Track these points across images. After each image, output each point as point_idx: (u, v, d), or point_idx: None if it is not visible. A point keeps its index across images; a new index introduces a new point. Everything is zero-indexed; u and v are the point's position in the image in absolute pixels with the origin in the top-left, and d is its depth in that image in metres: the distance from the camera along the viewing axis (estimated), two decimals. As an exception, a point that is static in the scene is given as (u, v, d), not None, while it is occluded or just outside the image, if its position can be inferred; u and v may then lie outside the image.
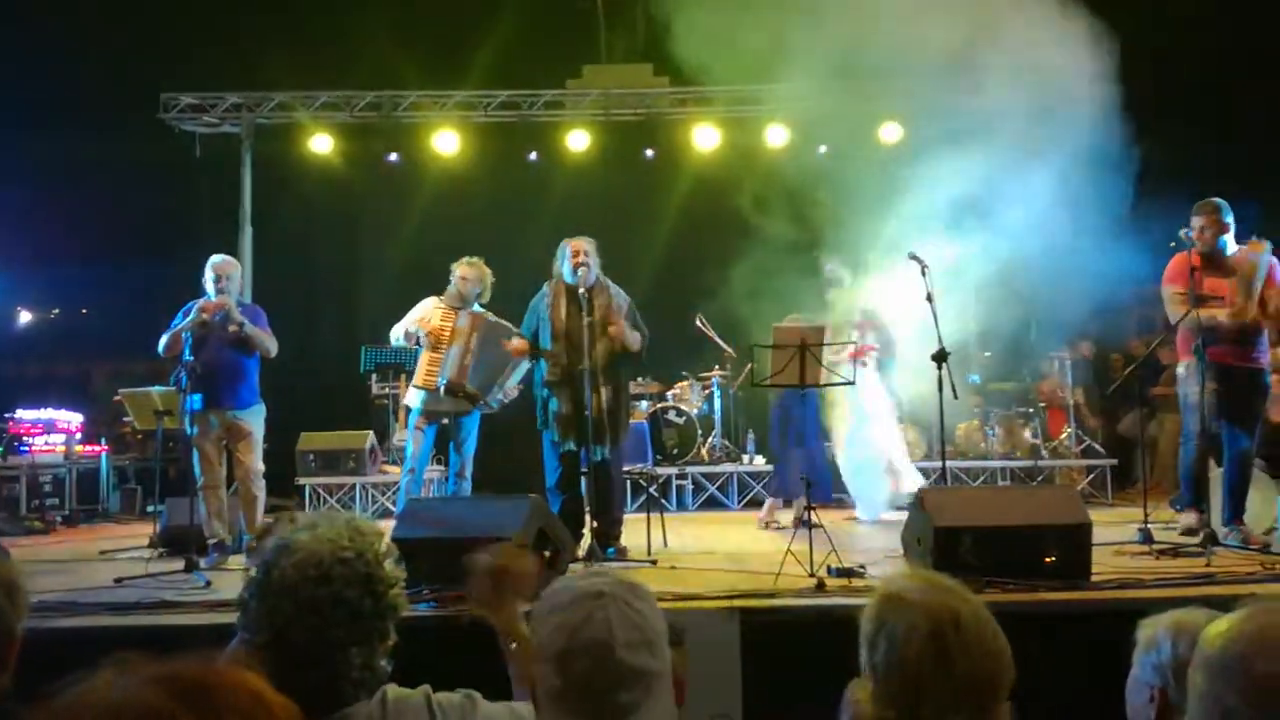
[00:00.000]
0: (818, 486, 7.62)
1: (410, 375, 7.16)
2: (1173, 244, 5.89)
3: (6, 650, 1.77)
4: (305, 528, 1.79)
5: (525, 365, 6.36)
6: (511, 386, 6.52)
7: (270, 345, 6.33)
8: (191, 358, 5.84)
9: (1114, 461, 9.33)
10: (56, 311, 16.54)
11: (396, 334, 6.57)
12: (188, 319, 6.03)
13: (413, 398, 6.48)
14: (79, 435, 10.32)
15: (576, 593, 1.68)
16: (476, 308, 6.56)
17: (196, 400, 6.04)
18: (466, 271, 6.54)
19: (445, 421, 6.46)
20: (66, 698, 0.89)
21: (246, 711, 0.91)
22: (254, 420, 6.32)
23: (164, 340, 6.09)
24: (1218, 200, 5.73)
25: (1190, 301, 5.46)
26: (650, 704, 1.62)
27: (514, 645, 2.10)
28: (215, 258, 6.33)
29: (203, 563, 5.68)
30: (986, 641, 1.63)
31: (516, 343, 6.09)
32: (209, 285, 6.19)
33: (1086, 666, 3.52)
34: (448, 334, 6.36)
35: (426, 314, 6.49)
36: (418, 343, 6.48)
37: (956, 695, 1.59)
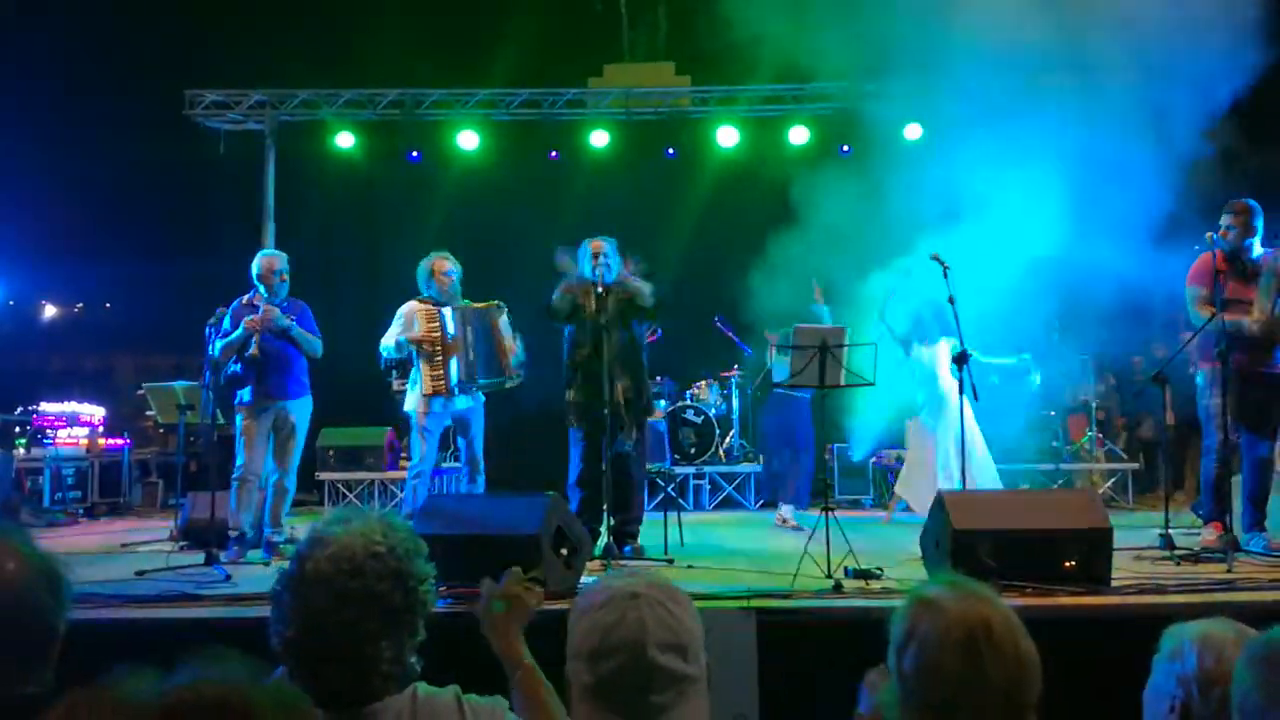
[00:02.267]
0: (802, 493, 7.66)
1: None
2: (1197, 247, 5.78)
3: (48, 648, 1.76)
4: (338, 522, 1.81)
5: (506, 322, 6.27)
6: (511, 343, 6.31)
7: (316, 346, 6.38)
8: (237, 356, 6.00)
9: (1135, 465, 9.26)
10: (80, 306, 16.70)
11: (387, 344, 6.39)
12: (237, 334, 6.09)
13: (417, 404, 6.31)
14: (101, 428, 10.42)
15: (612, 592, 1.70)
16: (460, 301, 6.43)
17: (247, 393, 6.16)
18: (441, 264, 6.39)
19: (450, 422, 6.45)
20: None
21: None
22: (302, 413, 6.37)
23: (219, 347, 6.13)
24: (1250, 201, 5.63)
25: (1216, 305, 5.38)
26: (683, 707, 1.63)
27: (517, 674, 2.10)
28: (263, 254, 6.41)
29: (223, 556, 5.71)
30: (1019, 650, 1.62)
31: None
32: (259, 282, 6.24)
33: (1105, 673, 3.49)
34: (437, 335, 6.22)
35: (409, 320, 6.32)
36: (411, 353, 6.33)
37: (988, 704, 1.58)
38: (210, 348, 6.09)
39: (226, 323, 6.16)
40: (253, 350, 6.07)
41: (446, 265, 6.42)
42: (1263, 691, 1.25)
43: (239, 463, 6.19)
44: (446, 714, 1.78)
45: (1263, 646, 1.29)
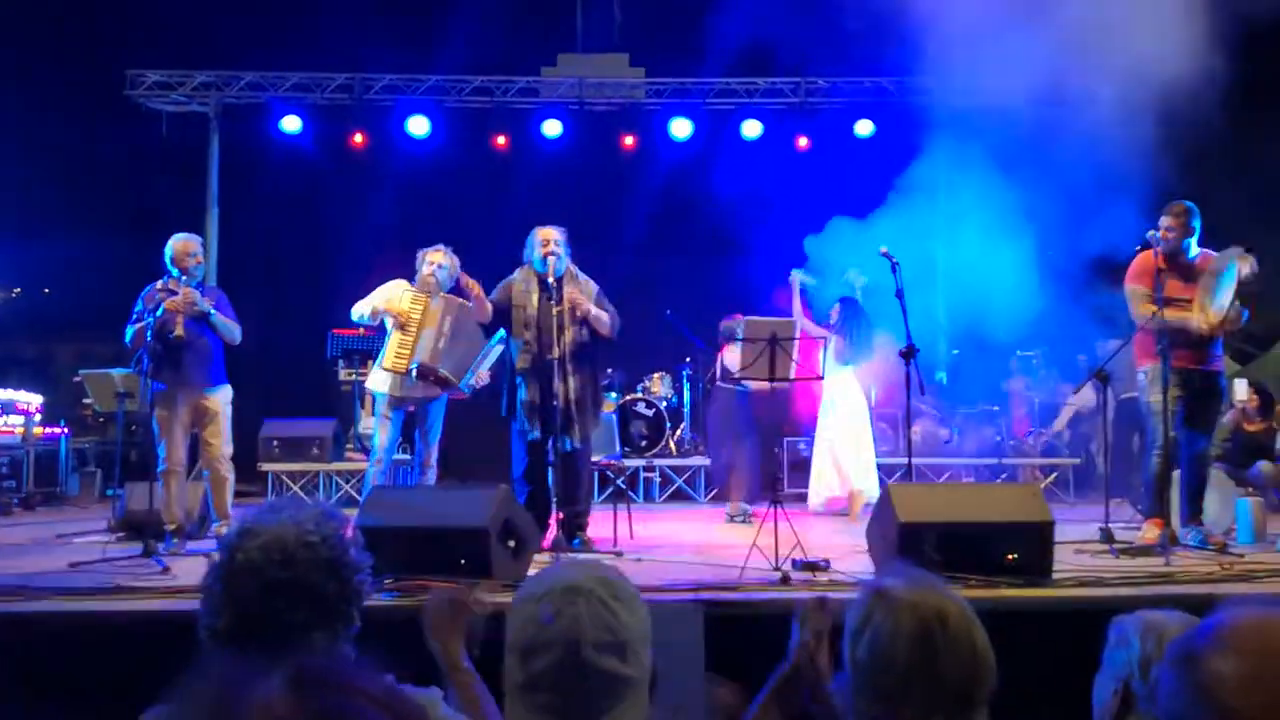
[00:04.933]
0: (754, 485, 7.72)
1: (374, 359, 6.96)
2: (1137, 246, 5.90)
3: None
4: (270, 511, 1.78)
5: (497, 350, 6.28)
6: (484, 371, 6.41)
7: (235, 333, 6.20)
8: (153, 339, 5.73)
9: (1077, 461, 9.43)
10: (18, 291, 16.26)
11: (361, 311, 6.34)
12: (154, 318, 5.81)
13: (379, 381, 6.30)
14: (38, 416, 10.16)
15: (552, 584, 1.64)
16: (444, 294, 6.41)
17: (161, 380, 5.91)
18: (439, 259, 6.37)
19: (411, 409, 6.38)
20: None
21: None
22: (222, 399, 6.19)
23: (129, 333, 5.95)
24: (1188, 203, 5.76)
25: (1157, 303, 5.48)
26: (620, 710, 1.58)
27: (454, 676, 2.07)
28: (177, 237, 6.12)
29: (160, 548, 5.58)
30: (974, 644, 1.62)
31: (480, 291, 5.97)
32: (173, 266, 6.06)
33: (1046, 664, 3.54)
34: (418, 316, 6.21)
35: (394, 295, 6.32)
36: (382, 324, 6.32)
37: (940, 695, 1.58)
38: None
39: (139, 305, 5.97)
40: (177, 332, 5.84)
41: (443, 260, 6.37)
42: (1183, 692, 1.25)
43: (160, 454, 6.02)
44: None
45: (1183, 646, 1.30)
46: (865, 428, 7.76)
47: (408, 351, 6.16)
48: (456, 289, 6.26)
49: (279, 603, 1.67)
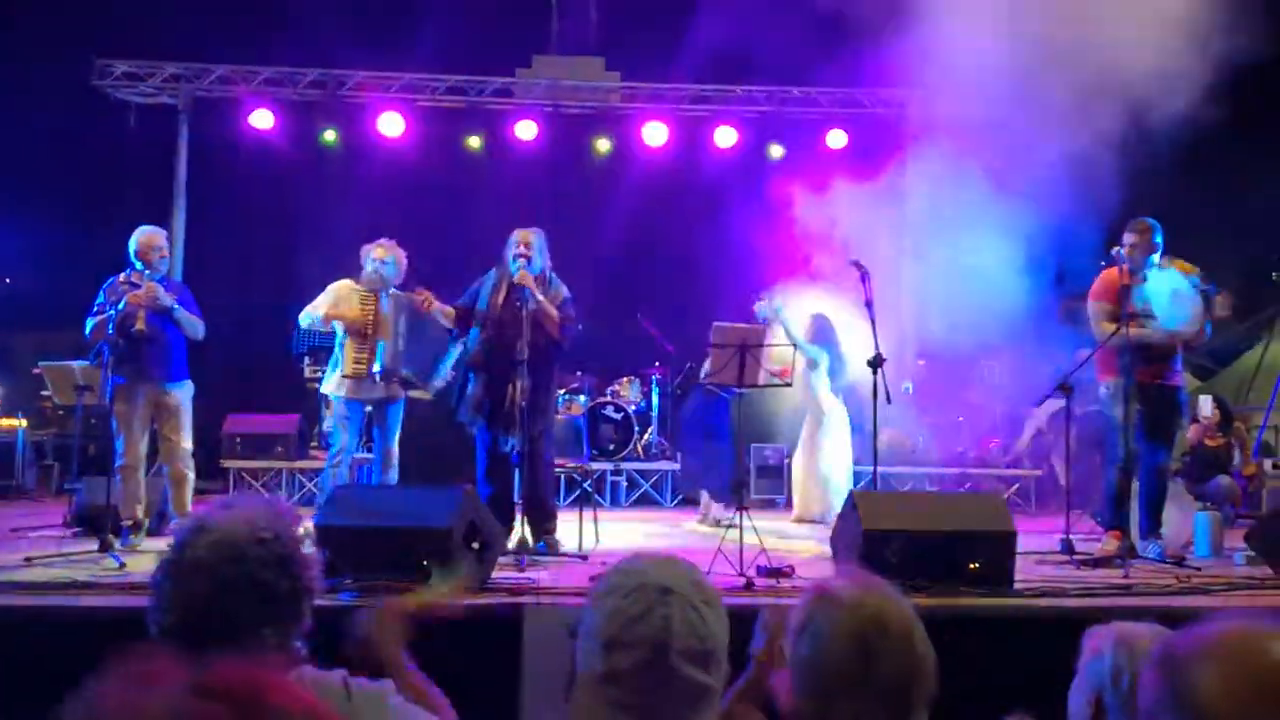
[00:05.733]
0: (725, 486, 7.69)
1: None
2: (1102, 263, 5.98)
3: None
4: (222, 507, 1.78)
5: (456, 348, 6.22)
6: (447, 368, 6.32)
7: (197, 328, 6.11)
8: (114, 332, 5.65)
9: (1039, 472, 9.52)
10: (-22, 280, 15.97)
11: (310, 316, 6.21)
12: (116, 311, 5.74)
13: (337, 386, 6.17)
14: (-5, 408, 9.98)
15: (642, 580, 1.60)
16: (394, 290, 6.30)
17: (121, 375, 5.81)
18: (384, 253, 6.24)
19: (369, 409, 6.31)
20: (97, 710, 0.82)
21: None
22: (183, 395, 6.10)
23: (89, 326, 5.86)
24: (1151, 220, 5.85)
25: (1121, 318, 5.56)
26: (695, 718, 1.56)
27: (399, 680, 2.07)
28: (142, 230, 6.03)
29: (118, 544, 5.50)
30: (913, 648, 1.63)
31: (437, 304, 5.94)
32: (137, 260, 5.97)
33: (1006, 673, 3.57)
34: (370, 318, 6.10)
35: (341, 298, 6.19)
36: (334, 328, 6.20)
37: (874, 699, 1.58)
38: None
39: (101, 298, 5.88)
40: (139, 326, 5.75)
41: (387, 254, 6.26)
42: (1165, 699, 1.28)
43: (118, 449, 5.92)
44: (332, 696, 1.72)
45: (1166, 653, 1.33)
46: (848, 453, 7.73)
47: (365, 356, 6.07)
48: (405, 288, 6.20)
49: (229, 600, 1.67)
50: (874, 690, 1.58)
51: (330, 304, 6.19)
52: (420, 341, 6.18)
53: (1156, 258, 5.81)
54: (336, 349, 6.25)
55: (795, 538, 6.57)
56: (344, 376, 6.14)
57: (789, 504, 8.18)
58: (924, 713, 1.62)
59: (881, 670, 1.59)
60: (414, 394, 6.49)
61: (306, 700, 0.89)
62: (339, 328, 6.18)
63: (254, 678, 0.88)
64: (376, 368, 6.06)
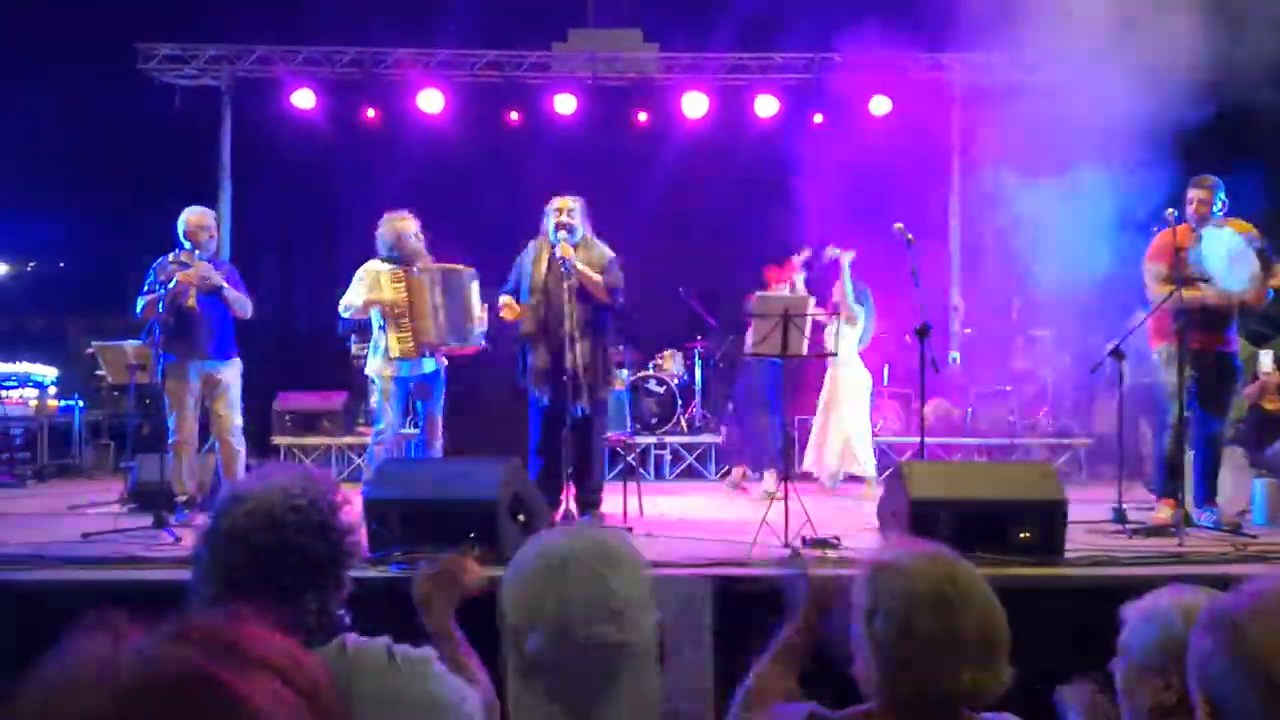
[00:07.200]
0: (779, 457, 7.62)
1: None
2: (1155, 226, 5.83)
3: None
4: (258, 477, 1.80)
5: (477, 288, 6.17)
6: (485, 323, 6.25)
7: (245, 307, 6.19)
8: (164, 310, 5.74)
9: (1088, 441, 9.37)
10: (33, 264, 16.31)
11: (350, 305, 6.16)
12: (166, 290, 5.81)
13: (381, 368, 6.13)
14: (53, 389, 10.20)
15: (539, 559, 1.63)
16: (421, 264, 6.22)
17: (172, 353, 5.92)
18: (403, 226, 6.16)
19: (412, 386, 6.33)
20: (72, 669, 0.83)
21: (282, 666, 0.86)
22: (232, 373, 6.19)
23: (140, 305, 5.95)
24: (1216, 178, 5.68)
25: (1175, 281, 5.43)
26: (626, 681, 1.57)
27: (445, 648, 2.08)
28: (191, 211, 6.10)
29: (172, 519, 5.61)
30: (989, 601, 1.65)
31: (507, 305, 5.95)
32: (186, 239, 6.05)
33: (1056, 643, 3.53)
34: (407, 299, 6.05)
35: (376, 282, 6.10)
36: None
37: (967, 649, 1.59)
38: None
39: (151, 277, 5.96)
40: (189, 303, 5.83)
41: (411, 226, 6.24)
42: (1218, 657, 1.26)
43: (170, 426, 6.02)
44: (376, 664, 1.75)
45: (1217, 612, 1.31)
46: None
47: (409, 336, 6.05)
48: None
49: (269, 567, 1.68)
50: (964, 645, 1.59)
51: (366, 291, 6.12)
52: (454, 307, 6.15)
53: (1219, 209, 5.65)
54: (375, 331, 6.23)
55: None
56: (389, 359, 6.10)
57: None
58: (1006, 658, 1.62)
59: (966, 624, 1.60)
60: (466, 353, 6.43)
61: (287, 646, 0.89)
62: (375, 314, 6.14)
63: (229, 624, 0.88)
64: (421, 345, 6.06)
